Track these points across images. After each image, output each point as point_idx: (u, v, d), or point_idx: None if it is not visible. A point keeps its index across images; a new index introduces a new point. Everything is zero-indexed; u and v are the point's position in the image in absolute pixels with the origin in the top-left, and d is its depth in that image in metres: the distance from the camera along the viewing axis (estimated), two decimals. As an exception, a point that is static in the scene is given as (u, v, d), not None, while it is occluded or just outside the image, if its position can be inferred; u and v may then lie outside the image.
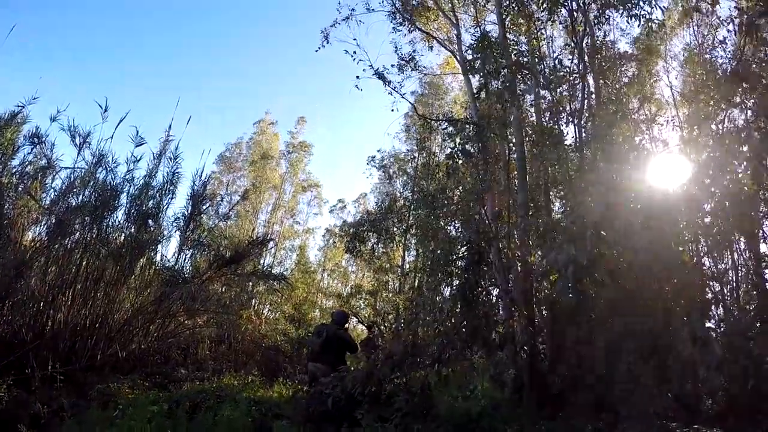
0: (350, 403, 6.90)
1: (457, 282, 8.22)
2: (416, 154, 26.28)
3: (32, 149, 12.22)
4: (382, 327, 18.99)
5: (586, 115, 10.09)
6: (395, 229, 20.98)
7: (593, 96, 10.89)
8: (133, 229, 12.95)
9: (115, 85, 56.31)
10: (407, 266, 25.59)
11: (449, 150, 10.55)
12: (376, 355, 7.35)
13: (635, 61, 13.73)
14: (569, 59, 11.29)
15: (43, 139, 12.29)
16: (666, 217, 5.78)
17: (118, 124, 12.94)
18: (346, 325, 9.66)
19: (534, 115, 11.99)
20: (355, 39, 14.97)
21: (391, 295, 25.46)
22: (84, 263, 11.63)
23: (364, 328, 22.48)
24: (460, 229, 12.22)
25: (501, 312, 8.69)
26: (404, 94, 14.55)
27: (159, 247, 13.88)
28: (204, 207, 14.25)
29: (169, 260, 13.95)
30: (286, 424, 7.97)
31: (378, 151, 30.84)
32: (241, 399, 9.21)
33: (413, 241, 23.21)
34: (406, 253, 25.80)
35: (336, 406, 6.87)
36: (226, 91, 66.38)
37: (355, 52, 13.94)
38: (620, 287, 6.47)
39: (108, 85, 55.39)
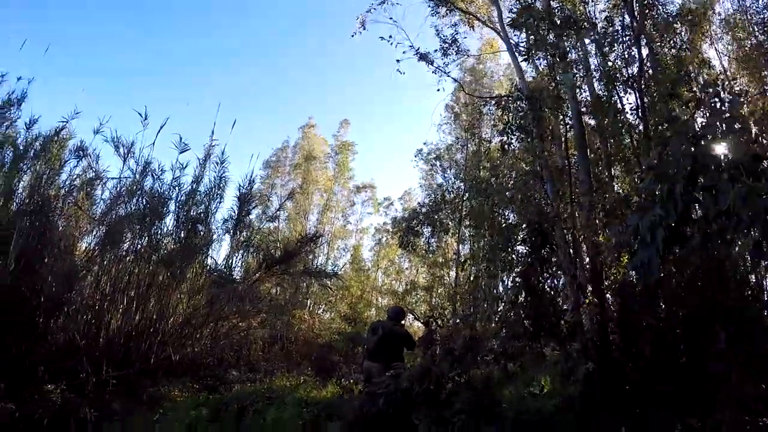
0: (406, 402, 6.20)
1: (519, 269, 7.41)
2: (466, 142, 25.27)
3: (78, 162, 12.13)
4: (439, 322, 18.24)
5: (644, 80, 9.19)
6: (449, 220, 20.25)
7: (648, 62, 9.94)
8: (182, 234, 12.62)
9: (151, 91, 56.38)
10: (462, 259, 24.71)
11: (502, 126, 9.73)
12: (434, 351, 6.61)
13: (688, 23, 12.56)
14: (619, 20, 10.36)
15: (88, 151, 12.19)
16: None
17: (159, 130, 12.64)
18: (403, 321, 9.03)
19: (587, 88, 11.08)
20: (391, 18, 14.27)
21: (446, 290, 24.74)
22: (136, 270, 11.48)
23: (420, 324, 21.72)
24: (518, 213, 11.30)
25: (568, 299, 7.87)
26: (449, 72, 13.88)
27: (209, 250, 13.47)
28: (251, 207, 13.77)
29: (219, 264, 13.53)
30: (337, 425, 7.34)
31: (424, 143, 29.98)
32: (291, 400, 8.63)
33: (467, 233, 22.41)
34: (460, 246, 24.95)
35: (390, 406, 6.18)
36: (268, 97, 64.69)
37: (391, 36, 13.49)
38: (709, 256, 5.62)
39: (145, 91, 55.03)
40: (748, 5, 14.92)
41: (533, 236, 7.51)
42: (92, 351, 9.70)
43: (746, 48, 15.17)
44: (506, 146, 9.90)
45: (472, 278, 20.39)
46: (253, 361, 13.20)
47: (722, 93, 6.03)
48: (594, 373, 6.97)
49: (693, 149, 5.00)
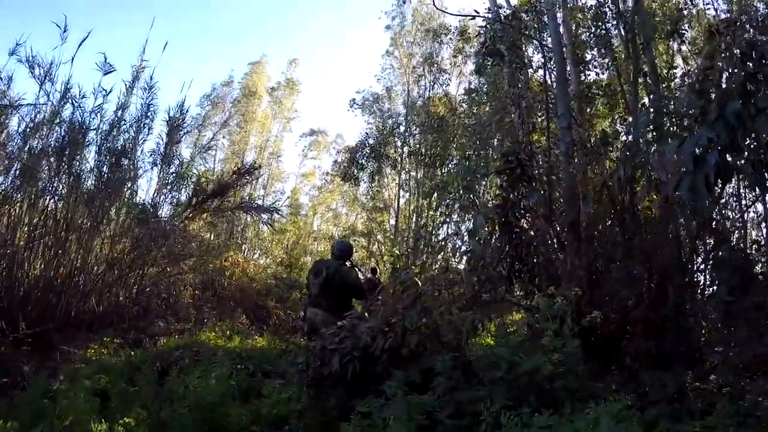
0: (365, 361, 5.02)
1: (492, 203, 6.26)
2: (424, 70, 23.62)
3: None
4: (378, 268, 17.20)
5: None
6: (396, 153, 19.07)
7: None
8: (105, 169, 11.01)
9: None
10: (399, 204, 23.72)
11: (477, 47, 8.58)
12: (395, 297, 5.40)
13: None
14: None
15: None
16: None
17: (80, 45, 10.66)
18: (351, 260, 7.73)
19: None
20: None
21: (385, 235, 23.76)
22: (54, 212, 10.15)
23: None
24: (484, 145, 10.15)
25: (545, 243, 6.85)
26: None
27: (135, 186, 11.96)
28: (182, 135, 12.22)
29: (145, 201, 11.99)
30: (279, 387, 6.12)
31: (357, 92, 28.52)
32: (223, 356, 7.35)
33: (414, 173, 21.25)
34: (400, 190, 23.90)
35: (347, 366, 4.99)
36: (214, 27, 57.86)
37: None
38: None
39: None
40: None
41: (510, 167, 6.37)
42: (7, 306, 8.55)
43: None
44: (481, 70, 8.73)
45: (422, 221, 19.41)
46: (183, 310, 11.74)
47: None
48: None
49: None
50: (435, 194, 18.16)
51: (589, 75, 9.97)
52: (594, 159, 7.91)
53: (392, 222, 24.42)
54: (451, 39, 17.44)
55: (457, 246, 6.21)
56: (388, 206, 24.54)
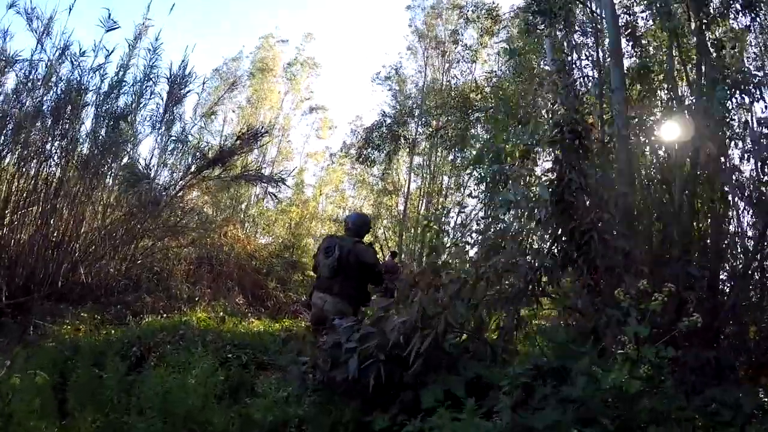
0: (391, 367, 3.84)
1: (546, 179, 5.04)
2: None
3: None
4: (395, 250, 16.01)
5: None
6: (419, 133, 17.82)
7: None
8: (102, 132, 10.06)
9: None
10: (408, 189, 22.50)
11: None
12: (434, 284, 4.19)
13: None
14: None
15: None
16: None
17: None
18: (367, 237, 6.52)
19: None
20: None
21: (393, 220, 22.61)
22: (44, 175, 9.31)
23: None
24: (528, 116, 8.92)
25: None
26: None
27: (135, 154, 10.90)
28: (184, 95, 10.84)
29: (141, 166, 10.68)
30: (276, 382, 4.94)
31: (383, 66, 27.05)
32: (213, 342, 6.20)
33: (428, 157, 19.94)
34: (412, 175, 22.71)
35: (366, 372, 3.81)
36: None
37: None
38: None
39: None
40: None
41: (569, 137, 5.17)
42: None
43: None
44: (529, 27, 7.53)
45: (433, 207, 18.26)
46: (175, 286, 10.59)
47: None
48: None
49: None
50: (461, 172, 17.10)
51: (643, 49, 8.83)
52: (655, 138, 6.78)
53: (401, 207, 23.25)
54: (478, 17, 16.13)
55: (498, 227, 5.02)
56: (398, 189, 23.39)
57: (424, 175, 22.08)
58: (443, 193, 21.74)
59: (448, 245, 5.77)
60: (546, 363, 3.97)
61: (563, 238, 4.92)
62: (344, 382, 3.96)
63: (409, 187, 22.83)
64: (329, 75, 60.23)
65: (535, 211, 4.67)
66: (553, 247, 4.96)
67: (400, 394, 3.81)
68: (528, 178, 5.19)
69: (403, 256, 19.10)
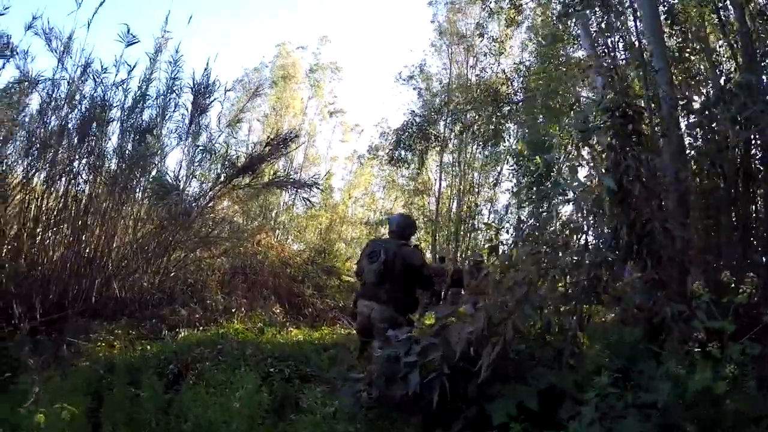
0: (455, 380, 3.44)
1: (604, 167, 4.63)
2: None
3: (4, 64, 8.92)
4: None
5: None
6: (448, 131, 17.40)
7: None
8: (129, 147, 9.82)
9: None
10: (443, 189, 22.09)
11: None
12: (499, 287, 3.78)
13: None
14: None
15: (17, 49, 8.99)
16: None
17: (97, 10, 9.33)
18: (413, 239, 6.14)
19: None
20: None
21: (425, 219, 22.17)
22: (74, 192, 9.13)
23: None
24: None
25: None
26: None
27: (163, 167, 10.54)
28: (209, 104, 10.50)
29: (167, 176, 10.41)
30: (322, 396, 4.60)
31: (405, 66, 26.61)
32: (253, 355, 5.87)
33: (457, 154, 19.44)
34: (443, 173, 22.31)
35: (430, 387, 3.42)
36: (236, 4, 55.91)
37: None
38: None
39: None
40: None
41: (619, 119, 4.75)
42: (25, 292, 7.65)
43: None
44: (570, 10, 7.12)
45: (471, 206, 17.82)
46: (210, 297, 10.31)
47: None
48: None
49: None
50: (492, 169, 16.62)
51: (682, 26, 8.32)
52: (705, 120, 6.29)
53: (432, 207, 22.82)
54: (501, 8, 15.61)
55: (554, 222, 4.60)
56: (428, 189, 22.97)
57: (455, 173, 21.66)
58: (475, 190, 21.31)
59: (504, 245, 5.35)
60: (619, 366, 3.57)
61: (623, 230, 4.50)
62: (403, 398, 3.57)
63: (440, 186, 22.46)
64: (352, 77, 60.16)
65: (594, 202, 4.24)
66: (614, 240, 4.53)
67: (463, 409, 3.41)
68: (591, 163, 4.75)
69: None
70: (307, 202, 11.77)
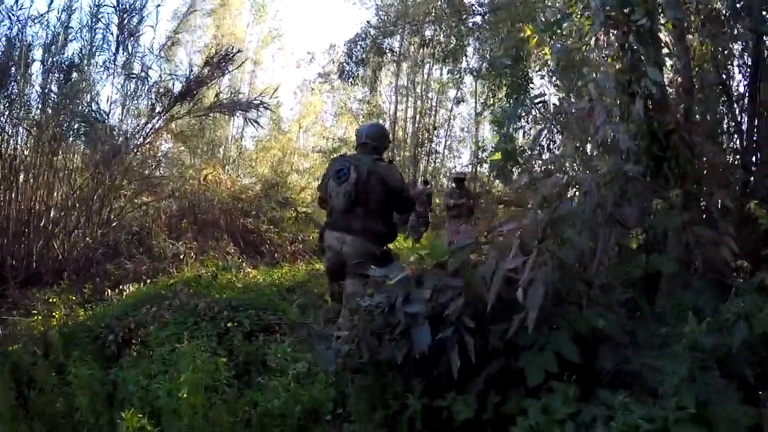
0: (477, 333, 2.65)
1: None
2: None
3: None
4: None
5: None
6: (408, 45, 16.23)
7: None
8: (54, 89, 8.80)
9: None
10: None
11: None
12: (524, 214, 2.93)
13: None
14: None
15: None
16: None
17: None
18: (386, 154, 5.20)
19: None
20: None
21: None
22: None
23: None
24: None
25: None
26: None
27: (91, 101, 9.28)
28: (138, 23, 9.25)
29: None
30: (290, 347, 3.88)
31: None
32: (208, 308, 5.07)
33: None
34: (398, 95, 21.19)
35: (444, 346, 2.65)
36: None
37: None
38: None
39: None
40: None
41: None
42: None
43: None
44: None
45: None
46: (157, 245, 9.36)
47: None
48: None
49: None
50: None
51: None
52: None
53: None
54: None
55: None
56: (383, 113, 21.90)
57: (411, 94, 20.58)
58: (432, 112, 20.35)
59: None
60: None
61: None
62: (406, 361, 2.77)
63: (395, 109, 21.38)
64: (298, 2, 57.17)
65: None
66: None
67: (482, 365, 2.64)
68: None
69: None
70: (256, 124, 10.71)
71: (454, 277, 2.83)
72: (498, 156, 4.98)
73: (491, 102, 19.47)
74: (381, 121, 21.71)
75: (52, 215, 8.45)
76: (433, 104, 21.86)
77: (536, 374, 2.48)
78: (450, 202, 10.68)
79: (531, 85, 11.64)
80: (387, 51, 16.05)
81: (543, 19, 8.79)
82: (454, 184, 11.82)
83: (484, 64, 16.55)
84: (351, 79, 16.77)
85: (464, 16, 13.50)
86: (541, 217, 2.68)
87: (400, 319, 2.78)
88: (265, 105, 10.08)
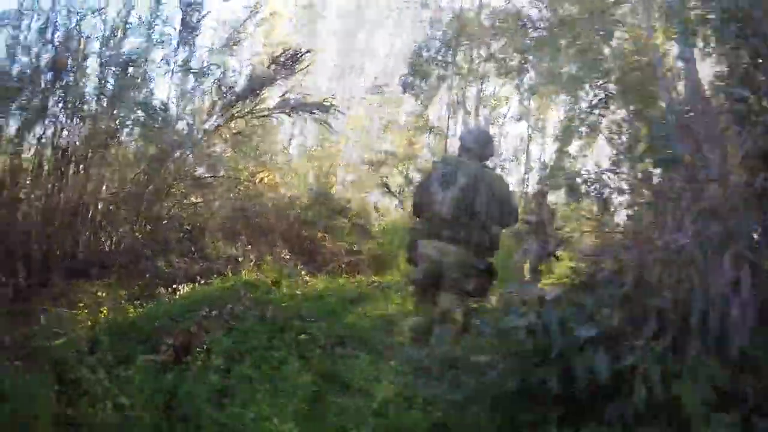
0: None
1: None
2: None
3: None
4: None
5: None
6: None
7: None
8: (110, 83, 8.28)
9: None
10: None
11: None
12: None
13: None
14: None
15: None
16: None
17: None
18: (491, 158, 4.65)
19: None
20: None
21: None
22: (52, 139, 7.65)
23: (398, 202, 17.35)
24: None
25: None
26: None
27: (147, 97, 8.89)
28: (201, 18, 8.90)
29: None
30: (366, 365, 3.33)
31: None
32: (274, 317, 4.52)
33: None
34: (449, 110, 20.71)
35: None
36: None
37: None
38: None
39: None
40: None
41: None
42: (5, 253, 6.45)
43: None
44: None
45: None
46: (210, 245, 9.02)
47: None
48: None
49: None
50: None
51: None
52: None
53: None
54: None
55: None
56: (434, 126, 21.37)
57: (466, 108, 20.11)
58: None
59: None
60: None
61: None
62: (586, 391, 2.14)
63: (448, 125, 20.87)
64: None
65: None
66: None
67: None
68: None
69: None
70: (328, 126, 10.20)
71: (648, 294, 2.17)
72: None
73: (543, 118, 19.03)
74: (431, 137, 21.32)
75: (100, 208, 8.16)
76: (486, 120, 21.38)
77: (693, 401, 1.92)
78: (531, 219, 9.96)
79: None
80: (449, 64, 15.56)
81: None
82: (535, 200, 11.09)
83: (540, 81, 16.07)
84: (412, 92, 16.42)
85: (529, 29, 13.03)
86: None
87: (556, 341, 2.17)
88: (336, 107, 9.67)
